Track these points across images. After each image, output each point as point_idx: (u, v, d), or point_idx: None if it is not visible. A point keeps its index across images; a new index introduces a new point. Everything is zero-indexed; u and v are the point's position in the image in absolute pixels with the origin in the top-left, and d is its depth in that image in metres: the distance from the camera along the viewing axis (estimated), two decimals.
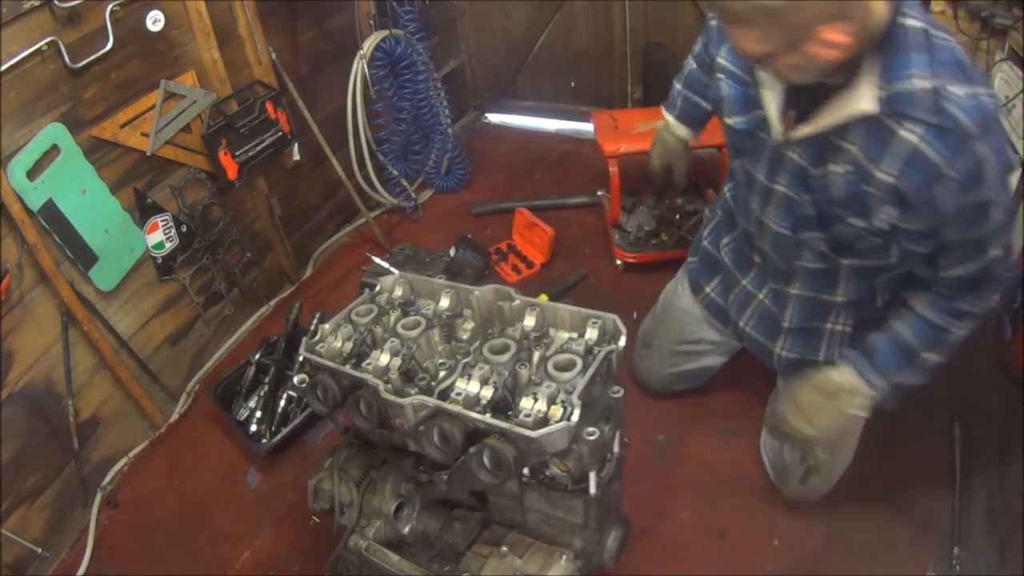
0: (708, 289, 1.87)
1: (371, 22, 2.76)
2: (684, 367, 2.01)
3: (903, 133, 1.20)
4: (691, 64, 1.84)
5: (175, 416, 2.32)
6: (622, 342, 1.31)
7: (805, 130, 1.34)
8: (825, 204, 1.39)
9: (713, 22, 1.61)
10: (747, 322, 1.76)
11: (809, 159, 1.38)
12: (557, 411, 1.17)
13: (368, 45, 2.70)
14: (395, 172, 3.02)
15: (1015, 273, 1.34)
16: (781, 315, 1.67)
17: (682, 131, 1.96)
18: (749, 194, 1.59)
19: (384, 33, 2.72)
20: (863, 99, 1.22)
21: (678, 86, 1.91)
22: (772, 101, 1.39)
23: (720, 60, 1.55)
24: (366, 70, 2.72)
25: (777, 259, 1.60)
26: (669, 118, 1.97)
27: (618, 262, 2.62)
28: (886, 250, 1.41)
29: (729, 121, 1.55)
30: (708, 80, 1.68)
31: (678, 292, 1.97)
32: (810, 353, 1.65)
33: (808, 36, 1.13)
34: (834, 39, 1.13)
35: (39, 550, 1.87)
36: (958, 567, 1.64)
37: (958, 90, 1.16)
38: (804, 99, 1.32)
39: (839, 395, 1.46)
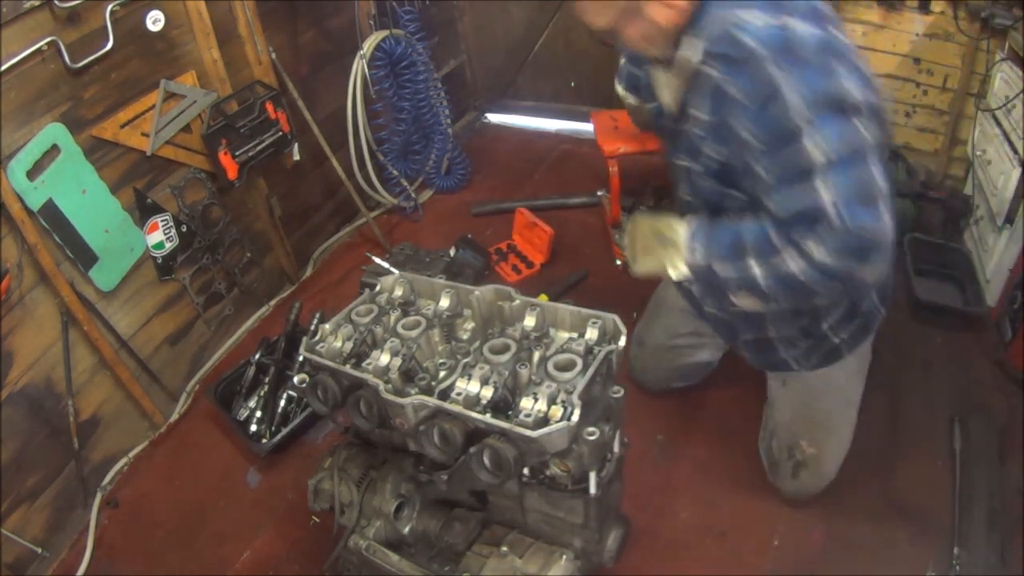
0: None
1: (371, 22, 2.76)
2: (678, 362, 2.02)
3: (707, 71, 1.25)
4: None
5: (175, 416, 2.32)
6: (622, 342, 1.31)
7: (667, 96, 1.41)
8: (696, 156, 1.43)
9: None
10: (705, 301, 1.76)
11: (682, 121, 1.43)
12: (557, 411, 1.17)
13: (368, 45, 2.70)
14: (395, 172, 3.02)
15: (881, 244, 1.19)
16: None
17: (631, 99, 1.91)
18: (674, 179, 1.62)
19: (384, 33, 2.73)
20: (690, 52, 1.27)
21: (623, 59, 1.94)
22: (659, 79, 1.45)
23: None
24: (366, 70, 2.72)
25: None
26: (619, 88, 1.96)
27: (618, 262, 2.62)
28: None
29: (650, 106, 1.63)
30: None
31: (667, 287, 1.97)
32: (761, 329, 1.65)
33: None
34: None
35: (39, 550, 1.87)
36: (958, 567, 1.64)
37: (756, 20, 1.18)
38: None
39: (665, 246, 1.43)
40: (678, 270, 1.40)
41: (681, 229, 1.40)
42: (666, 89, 1.44)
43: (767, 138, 1.20)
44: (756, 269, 1.29)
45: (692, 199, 1.53)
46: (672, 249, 1.41)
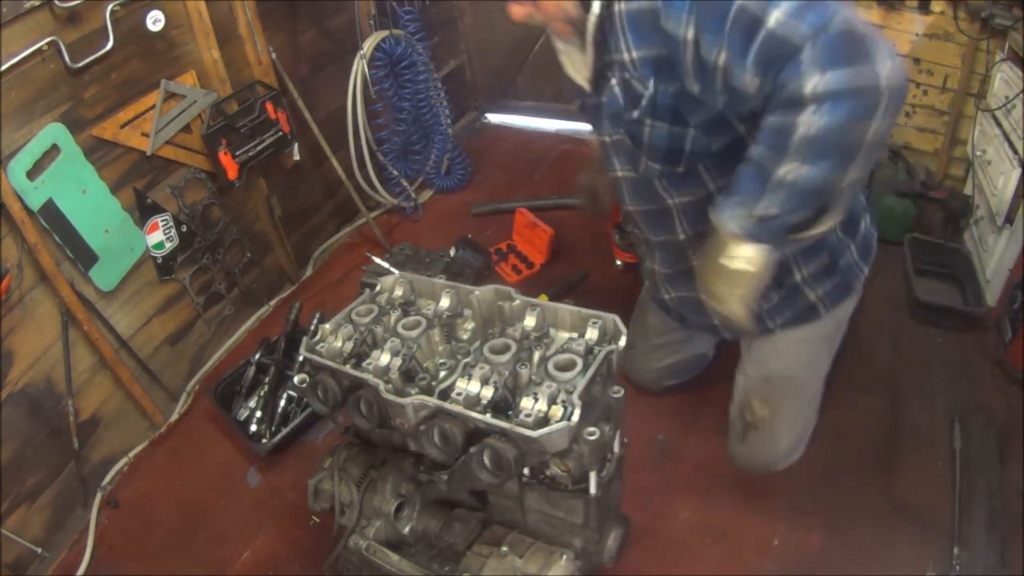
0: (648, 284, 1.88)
1: (371, 22, 2.76)
2: (670, 360, 2.02)
3: (618, 6, 1.27)
4: None
5: (175, 416, 2.32)
6: (622, 342, 1.31)
7: (584, 68, 1.42)
8: (620, 119, 1.41)
9: None
10: (670, 294, 1.74)
11: (600, 90, 1.43)
12: (557, 411, 1.17)
13: (368, 45, 2.70)
14: (395, 172, 3.02)
15: (839, 19, 1.07)
16: (685, 257, 1.60)
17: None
18: (608, 165, 1.59)
19: (384, 33, 2.73)
20: (593, 6, 1.31)
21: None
22: (573, 58, 1.47)
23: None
24: (366, 70, 2.72)
25: (644, 209, 1.59)
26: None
27: (618, 262, 2.62)
28: (709, 120, 1.33)
29: (578, 100, 1.60)
30: None
31: (648, 288, 1.96)
32: None
33: None
34: None
35: (39, 550, 1.87)
36: (958, 567, 1.64)
37: None
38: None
39: (715, 248, 1.30)
40: (739, 256, 1.26)
41: (713, 219, 1.29)
42: (579, 63, 1.45)
43: (703, 11, 1.16)
44: (787, 169, 1.14)
45: (632, 169, 1.50)
46: (717, 245, 1.28)
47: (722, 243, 1.28)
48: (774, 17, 1.09)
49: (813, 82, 1.07)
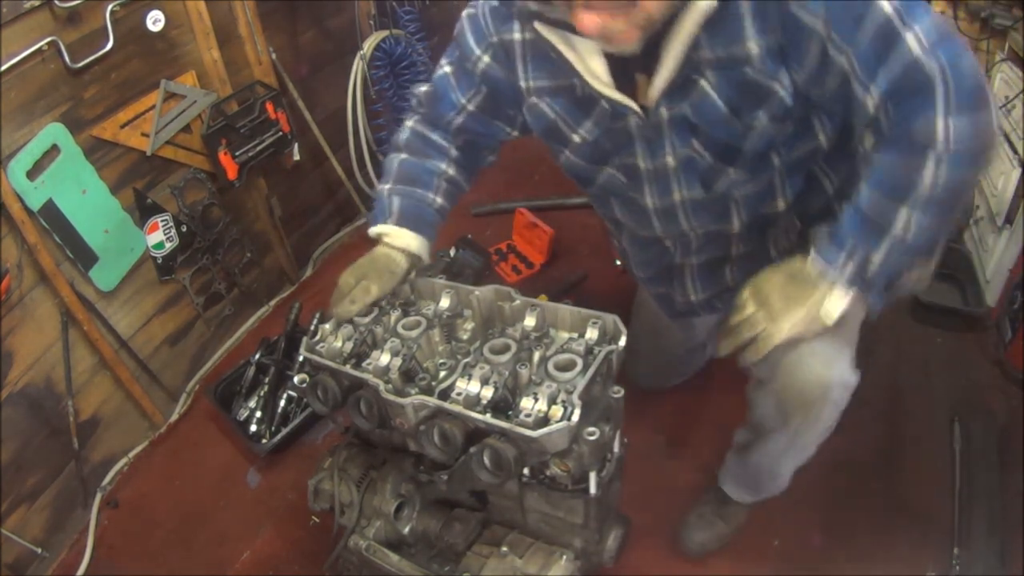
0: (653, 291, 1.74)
1: (371, 22, 2.77)
2: (674, 353, 1.98)
3: None
4: (414, 127, 1.51)
5: (175, 416, 2.32)
6: (622, 342, 1.31)
7: (664, 75, 1.16)
8: (720, 128, 1.22)
9: (495, 38, 1.33)
10: (694, 295, 1.58)
11: (677, 99, 1.20)
12: (557, 411, 1.17)
13: (368, 45, 2.70)
14: None
15: (972, 71, 1.04)
16: (728, 245, 1.46)
17: (414, 241, 1.46)
18: (637, 194, 1.39)
19: (384, 33, 2.73)
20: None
21: (386, 185, 1.48)
22: (604, 77, 1.21)
23: (531, 83, 1.34)
24: (366, 70, 2.72)
25: (702, 231, 1.42)
26: (386, 229, 1.45)
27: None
28: (807, 124, 1.22)
29: (576, 138, 1.35)
30: (500, 120, 1.47)
31: (641, 290, 1.93)
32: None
33: None
34: None
35: (39, 550, 1.87)
36: (958, 567, 1.64)
37: None
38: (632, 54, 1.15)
39: (806, 284, 1.20)
40: (837, 301, 1.18)
41: (810, 259, 1.19)
42: (661, 73, 1.17)
43: (839, 8, 1.04)
44: (903, 212, 1.08)
45: (702, 189, 1.33)
46: (815, 283, 1.18)
47: (807, 272, 1.19)
48: (912, 40, 1.03)
49: (943, 127, 1.03)
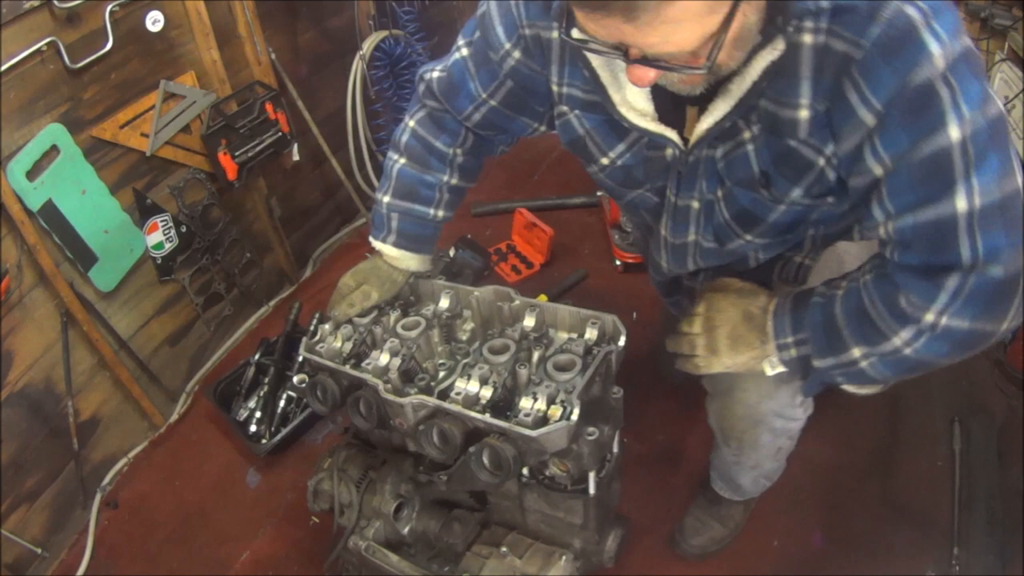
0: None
1: (371, 22, 2.76)
2: None
3: (802, 38, 0.90)
4: (416, 129, 1.40)
5: (175, 416, 2.32)
6: (622, 342, 1.31)
7: (715, 116, 1.01)
8: (745, 194, 1.11)
9: (527, 31, 1.17)
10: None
11: (717, 143, 1.08)
12: (556, 411, 1.17)
13: (368, 45, 2.70)
14: None
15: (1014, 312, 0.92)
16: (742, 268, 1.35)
17: (413, 262, 1.46)
18: (657, 223, 1.30)
19: (384, 33, 2.73)
20: (767, 44, 0.91)
21: (385, 197, 1.42)
22: (644, 108, 1.07)
23: (564, 89, 1.19)
24: (366, 70, 2.72)
25: (711, 270, 1.34)
26: (386, 249, 1.43)
27: (618, 263, 2.62)
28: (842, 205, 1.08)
29: (605, 160, 1.22)
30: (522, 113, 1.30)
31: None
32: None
33: None
34: None
35: (39, 550, 1.87)
36: (958, 567, 1.64)
37: None
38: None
39: (758, 331, 1.15)
40: (776, 367, 1.15)
41: (768, 308, 1.15)
42: (712, 113, 1.02)
43: (902, 99, 0.86)
44: (862, 361, 1.04)
45: (715, 241, 1.23)
46: (763, 339, 1.15)
47: (761, 336, 1.15)
48: (962, 203, 0.87)
49: (934, 318, 0.94)
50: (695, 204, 1.19)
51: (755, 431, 1.36)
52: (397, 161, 1.43)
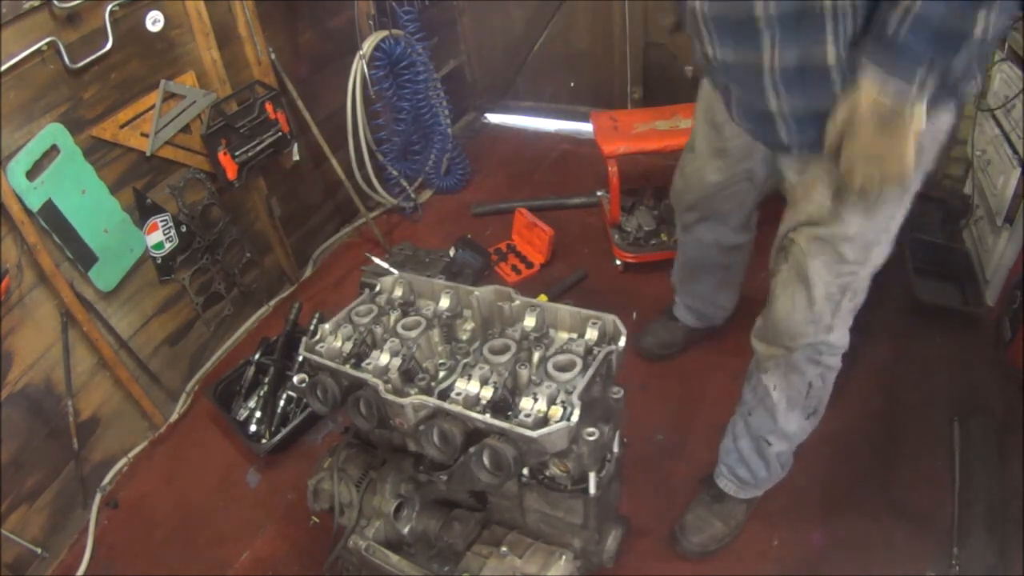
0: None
1: (371, 22, 2.76)
2: (721, 175, 1.72)
3: None
4: None
5: (175, 416, 2.32)
6: (622, 342, 1.31)
7: None
8: None
9: None
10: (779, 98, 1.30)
11: None
12: (557, 411, 1.17)
13: (368, 45, 2.70)
14: (395, 172, 3.02)
15: None
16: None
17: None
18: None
19: (384, 33, 2.72)
20: None
21: None
22: None
23: None
24: (366, 70, 2.72)
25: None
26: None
27: (618, 262, 2.62)
28: None
29: None
30: None
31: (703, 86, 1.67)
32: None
33: None
34: None
35: (39, 550, 1.87)
36: (957, 567, 1.64)
37: None
38: None
39: (885, 106, 1.09)
40: (916, 96, 1.07)
41: (868, 77, 1.08)
42: None
43: None
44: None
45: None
46: (888, 98, 1.08)
47: (895, 107, 1.08)
48: None
49: None
50: None
51: (794, 344, 1.46)
52: None
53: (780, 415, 1.59)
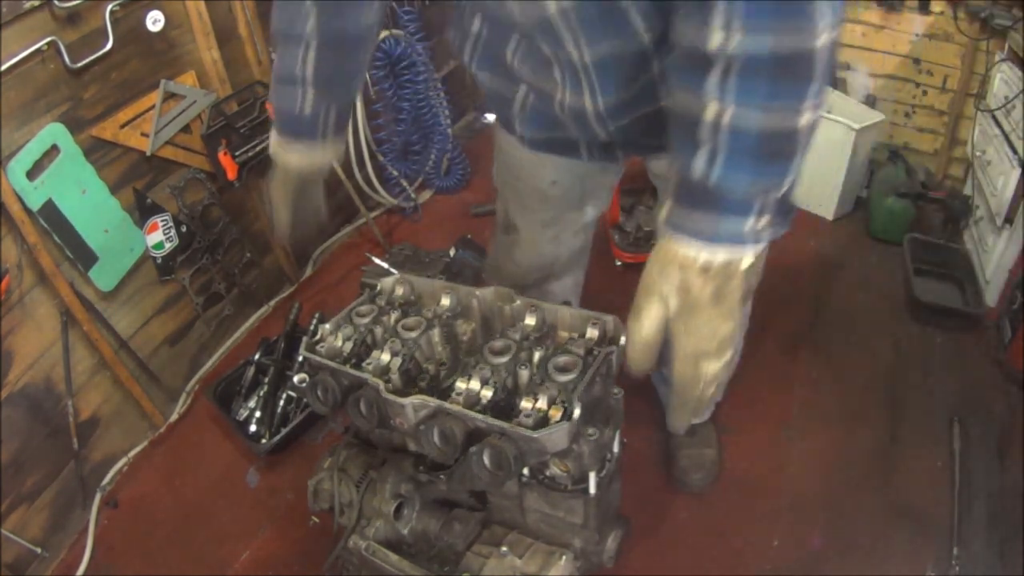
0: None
1: None
2: (561, 245, 1.58)
3: None
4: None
5: (175, 416, 2.32)
6: (622, 343, 1.31)
7: None
8: None
9: None
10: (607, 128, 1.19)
11: None
12: (557, 411, 1.17)
13: None
14: (395, 172, 3.02)
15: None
16: (645, 68, 1.06)
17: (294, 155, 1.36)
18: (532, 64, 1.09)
19: (384, 33, 2.73)
20: None
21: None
22: None
23: None
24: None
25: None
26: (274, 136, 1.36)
27: (618, 262, 2.62)
28: None
29: None
30: None
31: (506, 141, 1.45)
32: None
33: None
34: None
35: (39, 550, 1.87)
36: (958, 567, 1.64)
37: None
38: None
39: (711, 270, 0.85)
40: (743, 251, 0.85)
41: (680, 240, 0.86)
42: None
43: None
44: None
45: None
46: (716, 259, 0.85)
47: (723, 267, 0.85)
48: None
49: (719, 39, 0.73)
50: None
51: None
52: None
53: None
